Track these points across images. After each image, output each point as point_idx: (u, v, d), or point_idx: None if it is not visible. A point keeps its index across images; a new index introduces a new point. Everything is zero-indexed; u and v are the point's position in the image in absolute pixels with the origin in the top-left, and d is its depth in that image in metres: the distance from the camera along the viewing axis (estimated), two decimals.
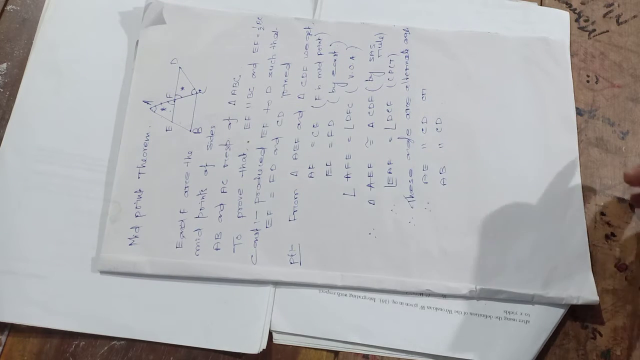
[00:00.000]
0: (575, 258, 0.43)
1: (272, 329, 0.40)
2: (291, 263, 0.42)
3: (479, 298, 0.41)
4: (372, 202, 0.44)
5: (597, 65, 0.50)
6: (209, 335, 0.40)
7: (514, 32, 0.50)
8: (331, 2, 0.51)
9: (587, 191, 0.45)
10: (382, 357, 0.40)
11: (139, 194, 0.43)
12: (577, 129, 0.47)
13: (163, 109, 0.45)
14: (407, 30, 0.50)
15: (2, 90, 0.46)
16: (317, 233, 0.42)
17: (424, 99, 0.47)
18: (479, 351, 0.40)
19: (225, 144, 0.45)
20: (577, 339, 0.41)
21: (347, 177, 0.44)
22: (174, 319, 0.40)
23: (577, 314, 0.42)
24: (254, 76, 0.47)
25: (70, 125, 0.45)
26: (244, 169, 0.44)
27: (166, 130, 0.45)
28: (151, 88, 0.46)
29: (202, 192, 0.43)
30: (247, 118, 0.46)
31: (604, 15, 0.52)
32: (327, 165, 0.45)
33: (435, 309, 0.41)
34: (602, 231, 0.45)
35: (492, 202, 0.44)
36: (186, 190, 0.43)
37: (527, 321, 0.41)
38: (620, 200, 0.46)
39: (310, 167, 0.44)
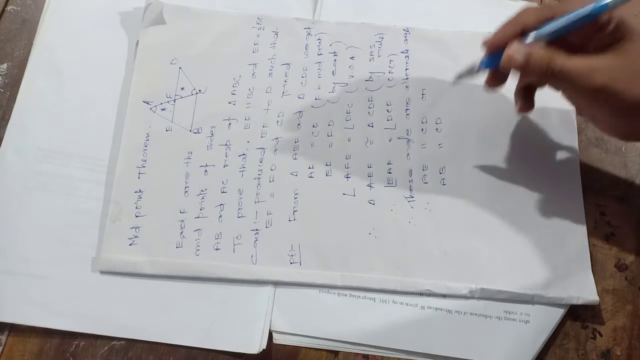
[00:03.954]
0: (575, 258, 0.43)
1: (272, 329, 0.40)
2: (291, 263, 0.42)
3: (479, 298, 0.41)
4: (372, 202, 0.44)
5: None
6: (209, 335, 0.40)
7: None
8: (331, 2, 0.51)
9: (587, 191, 0.45)
10: (382, 357, 0.40)
11: (139, 194, 0.43)
12: (577, 129, 0.47)
13: (163, 109, 0.45)
14: (407, 30, 0.50)
15: (2, 90, 0.46)
16: (317, 233, 0.42)
17: (424, 99, 0.47)
18: (479, 351, 0.40)
19: (225, 144, 0.45)
20: (577, 339, 0.41)
21: (347, 177, 0.44)
22: (174, 319, 0.40)
23: (577, 314, 0.42)
24: (254, 76, 0.47)
25: (70, 125, 0.45)
26: (244, 169, 0.44)
27: (166, 130, 0.45)
28: (151, 88, 0.46)
29: (202, 192, 0.43)
30: (247, 118, 0.46)
31: None
32: (327, 165, 0.45)
33: (435, 309, 0.41)
34: (602, 231, 0.45)
35: (492, 202, 0.44)
36: (186, 190, 0.43)
37: (527, 321, 0.41)
38: (620, 200, 0.46)
39: (310, 167, 0.44)
